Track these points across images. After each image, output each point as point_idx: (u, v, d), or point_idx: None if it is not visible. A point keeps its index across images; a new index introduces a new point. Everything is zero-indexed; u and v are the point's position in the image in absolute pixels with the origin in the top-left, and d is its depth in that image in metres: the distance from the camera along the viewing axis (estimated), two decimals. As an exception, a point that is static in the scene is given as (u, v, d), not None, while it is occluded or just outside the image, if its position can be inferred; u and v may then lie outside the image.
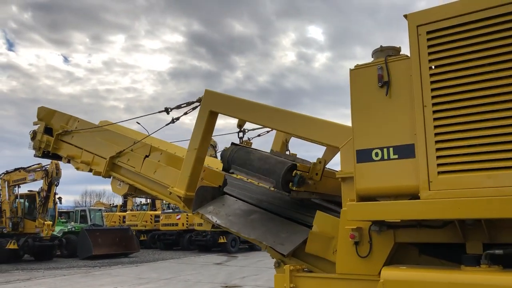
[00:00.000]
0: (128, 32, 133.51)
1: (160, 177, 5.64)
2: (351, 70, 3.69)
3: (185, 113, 5.47)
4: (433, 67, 3.25)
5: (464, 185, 3.01)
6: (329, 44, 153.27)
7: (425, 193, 3.16)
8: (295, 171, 4.39)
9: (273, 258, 4.80)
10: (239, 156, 4.69)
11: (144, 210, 36.00)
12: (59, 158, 7.16)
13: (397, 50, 3.68)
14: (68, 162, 6.87)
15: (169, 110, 5.60)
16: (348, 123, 3.83)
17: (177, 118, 5.58)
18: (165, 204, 38.35)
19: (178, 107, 5.52)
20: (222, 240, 27.74)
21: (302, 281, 4.12)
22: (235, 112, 4.84)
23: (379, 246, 3.74)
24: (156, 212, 34.01)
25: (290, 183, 4.37)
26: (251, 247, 30.08)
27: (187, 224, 31.10)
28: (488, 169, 2.94)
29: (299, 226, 4.64)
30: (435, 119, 3.19)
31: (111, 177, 6.22)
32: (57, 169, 21.91)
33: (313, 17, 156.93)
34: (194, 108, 5.36)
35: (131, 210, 37.01)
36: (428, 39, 3.28)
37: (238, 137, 5.34)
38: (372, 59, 3.79)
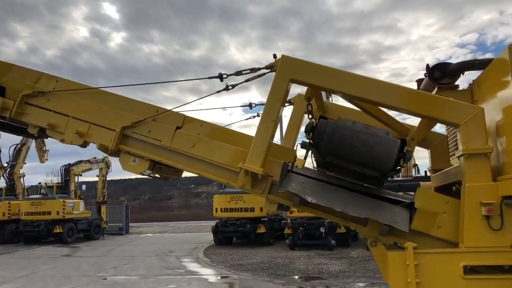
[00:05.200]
0: None
1: (202, 153, 4.78)
2: (510, 48, 3.78)
3: (247, 81, 4.74)
4: None
5: None
6: (125, 23, 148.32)
7: None
8: (405, 147, 4.29)
9: (362, 237, 4.62)
10: (336, 137, 4.29)
11: None
12: (18, 128, 5.38)
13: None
14: (39, 133, 5.20)
15: (224, 76, 4.77)
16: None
17: (234, 86, 4.79)
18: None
19: (238, 73, 4.72)
20: (57, 230, 24.80)
21: (426, 257, 4.07)
22: (327, 82, 4.39)
23: (511, 219, 3.94)
24: (-35, 201, 28.35)
25: (401, 160, 4.25)
26: (87, 236, 27.72)
27: (9, 213, 26.83)
28: None
29: (387, 203, 4.54)
30: None
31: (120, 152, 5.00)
32: None
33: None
34: (260, 76, 4.69)
35: None
36: None
37: (307, 110, 4.85)
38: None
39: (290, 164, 4.63)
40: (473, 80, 4.79)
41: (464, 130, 4.11)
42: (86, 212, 27.53)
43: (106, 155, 27.63)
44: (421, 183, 16.56)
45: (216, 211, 21.13)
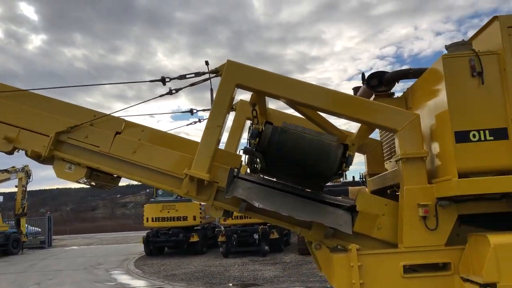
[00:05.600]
0: None
1: (144, 159, 4.61)
2: (443, 58, 4.03)
3: (192, 85, 4.64)
4: (524, 63, 3.90)
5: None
6: (45, 25, 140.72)
7: (525, 169, 3.79)
8: (347, 152, 4.42)
9: (305, 240, 4.68)
10: (283, 143, 4.33)
11: None
12: None
13: (471, 44, 4.19)
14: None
15: (167, 79, 4.63)
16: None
17: (177, 90, 4.66)
18: None
19: (182, 77, 4.61)
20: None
21: (368, 258, 4.21)
22: (272, 88, 4.41)
23: (445, 218, 4.18)
24: None
25: (344, 164, 4.38)
26: (4, 252, 25.75)
27: None
28: None
29: (330, 207, 4.65)
30: (528, 107, 3.85)
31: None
32: None
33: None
34: (205, 80, 4.61)
35: None
36: (518, 40, 3.93)
37: (252, 116, 4.83)
38: (446, 51, 4.21)
39: (236, 169, 4.61)
40: (408, 88, 5.05)
41: (401, 135, 4.32)
42: (3, 225, 25.60)
43: (26, 163, 25.97)
44: (349, 188, 17.22)
45: (147, 221, 20.51)
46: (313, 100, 4.40)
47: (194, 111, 5.94)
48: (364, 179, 18.22)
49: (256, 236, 17.58)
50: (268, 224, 17.90)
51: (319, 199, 4.77)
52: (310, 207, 4.51)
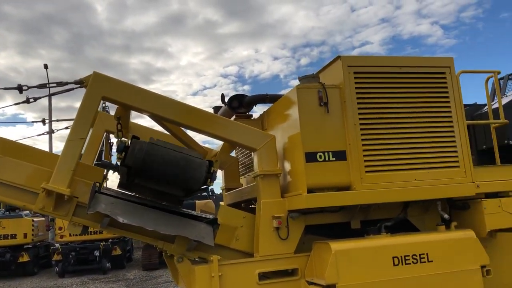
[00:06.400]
0: None
1: (-9, 172, 4.21)
2: (297, 88, 4.58)
3: (52, 95, 4.35)
4: (359, 97, 4.67)
5: (383, 180, 4.58)
6: None
7: (359, 186, 4.51)
8: (212, 167, 4.68)
9: (168, 254, 4.75)
10: (151, 158, 4.38)
11: None
12: None
13: (319, 78, 4.84)
14: None
15: (25, 88, 4.27)
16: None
17: (36, 99, 4.32)
18: None
19: (42, 86, 4.29)
20: None
21: (228, 268, 4.48)
22: (138, 102, 4.40)
23: (295, 229, 4.71)
24: None
25: (209, 180, 4.63)
26: None
27: None
28: (398, 170, 4.64)
29: (193, 220, 4.85)
30: (361, 134, 4.62)
31: None
32: None
33: None
34: (67, 90, 4.40)
35: None
36: (355, 77, 4.69)
37: (117, 129, 4.70)
38: (299, 82, 4.79)
39: (98, 184, 4.52)
40: (264, 111, 5.56)
41: (259, 154, 4.75)
42: None
43: None
44: (196, 202, 17.53)
45: (-34, 241, 17.92)
46: (179, 116, 4.57)
47: (47, 121, 5.60)
48: (211, 193, 18.79)
49: (97, 253, 16.72)
50: (110, 240, 17.19)
51: (180, 213, 4.92)
52: (174, 221, 4.63)
